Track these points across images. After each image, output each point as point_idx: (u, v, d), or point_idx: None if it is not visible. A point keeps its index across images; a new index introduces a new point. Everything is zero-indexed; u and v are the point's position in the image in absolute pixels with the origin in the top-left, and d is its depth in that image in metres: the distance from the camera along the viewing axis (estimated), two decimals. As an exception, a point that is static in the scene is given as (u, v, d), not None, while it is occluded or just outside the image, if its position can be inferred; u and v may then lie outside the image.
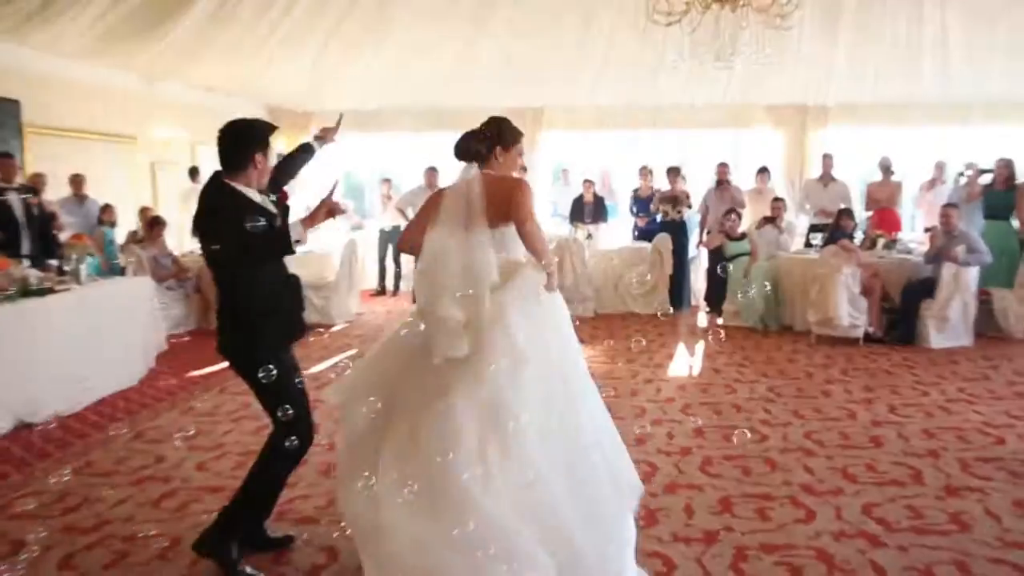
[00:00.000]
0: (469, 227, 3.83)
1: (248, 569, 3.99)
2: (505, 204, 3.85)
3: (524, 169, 4.72)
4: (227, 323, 4.08)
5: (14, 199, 8.84)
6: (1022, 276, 9.57)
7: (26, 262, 7.84)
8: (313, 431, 4.18)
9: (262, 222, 3.76)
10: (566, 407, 3.67)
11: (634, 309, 11.81)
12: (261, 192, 4.13)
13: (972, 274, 9.27)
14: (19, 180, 9.10)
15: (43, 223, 9.12)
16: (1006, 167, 10.30)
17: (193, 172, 13.49)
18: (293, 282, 4.23)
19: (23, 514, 4.87)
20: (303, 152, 4.78)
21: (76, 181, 10.74)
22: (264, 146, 4.10)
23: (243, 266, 3.97)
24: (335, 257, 12.06)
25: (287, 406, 3.98)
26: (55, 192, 10.22)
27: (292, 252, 3.93)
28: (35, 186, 9.42)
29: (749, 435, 5.99)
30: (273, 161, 4.31)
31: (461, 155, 4.08)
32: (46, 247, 8.83)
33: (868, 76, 13.74)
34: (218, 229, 3.94)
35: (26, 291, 6.83)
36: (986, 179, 10.67)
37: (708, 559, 4.11)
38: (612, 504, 3.64)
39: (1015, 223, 10.11)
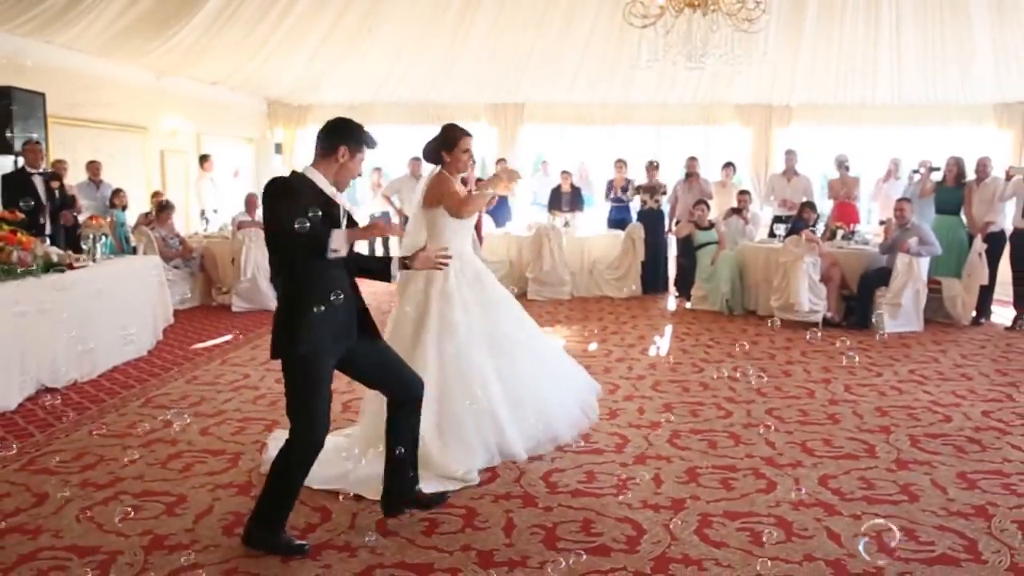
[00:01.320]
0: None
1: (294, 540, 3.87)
2: (432, 193, 4.86)
3: (472, 163, 5.19)
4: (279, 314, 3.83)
5: (39, 182, 8.85)
6: (969, 267, 9.63)
7: (47, 240, 7.82)
8: (317, 449, 3.80)
9: (307, 225, 3.44)
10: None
11: (607, 293, 11.84)
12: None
13: (923, 264, 9.33)
14: (43, 166, 9.07)
15: (64, 205, 9.11)
16: (956, 165, 10.35)
17: (203, 159, 13.47)
18: (350, 290, 3.85)
19: (45, 470, 4.90)
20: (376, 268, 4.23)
21: (92, 167, 10.74)
22: (353, 143, 3.80)
23: (299, 257, 3.67)
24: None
25: (295, 415, 3.80)
26: (74, 177, 10.23)
27: (323, 257, 3.57)
28: (58, 172, 9.42)
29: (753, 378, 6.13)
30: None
31: (426, 159, 5.06)
32: (66, 228, 8.86)
33: (829, 79, 13.81)
34: (277, 212, 3.65)
35: (48, 267, 6.80)
36: (937, 176, 10.72)
37: (675, 525, 4.13)
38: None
39: (963, 218, 10.17)
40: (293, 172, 3.91)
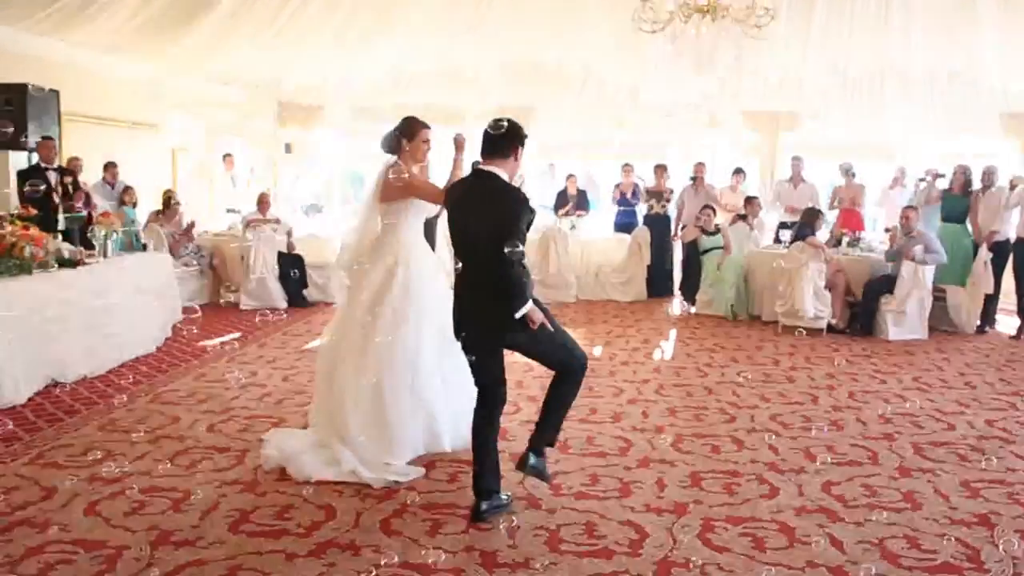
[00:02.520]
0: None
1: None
2: (395, 188, 4.93)
3: (428, 149, 5.11)
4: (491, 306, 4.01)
5: (53, 178, 8.87)
6: (974, 276, 9.60)
7: (60, 236, 7.84)
8: (585, 366, 4.27)
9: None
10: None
11: (613, 296, 11.83)
12: None
13: (928, 272, 9.31)
14: (57, 162, 9.10)
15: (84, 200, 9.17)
16: (963, 174, 10.33)
17: (225, 157, 13.80)
18: None
19: (53, 464, 4.91)
20: None
21: (111, 170, 10.80)
22: (522, 143, 4.22)
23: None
24: (335, 241, 12.01)
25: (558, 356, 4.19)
26: (88, 175, 10.23)
27: None
28: (72, 169, 9.43)
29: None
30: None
31: (384, 149, 5.05)
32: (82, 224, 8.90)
33: (836, 85, 13.77)
34: (506, 209, 3.97)
35: (60, 262, 6.82)
36: (943, 184, 10.71)
37: (678, 529, 4.12)
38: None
39: (969, 226, 10.14)
40: (494, 174, 4.10)
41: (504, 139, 4.14)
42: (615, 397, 6.59)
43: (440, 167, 5.49)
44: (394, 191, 4.94)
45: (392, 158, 4.98)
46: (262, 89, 15.17)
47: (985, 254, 9.52)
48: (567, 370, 4.21)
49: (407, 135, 5.00)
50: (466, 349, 4.24)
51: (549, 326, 4.04)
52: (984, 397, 6.84)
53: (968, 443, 5.59)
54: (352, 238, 5.22)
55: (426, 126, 5.09)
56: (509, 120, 4.20)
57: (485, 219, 4.02)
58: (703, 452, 5.31)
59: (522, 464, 4.23)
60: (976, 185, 10.17)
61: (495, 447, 4.27)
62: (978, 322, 9.71)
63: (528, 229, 3.99)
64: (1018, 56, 11.86)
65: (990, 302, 9.67)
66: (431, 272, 5.16)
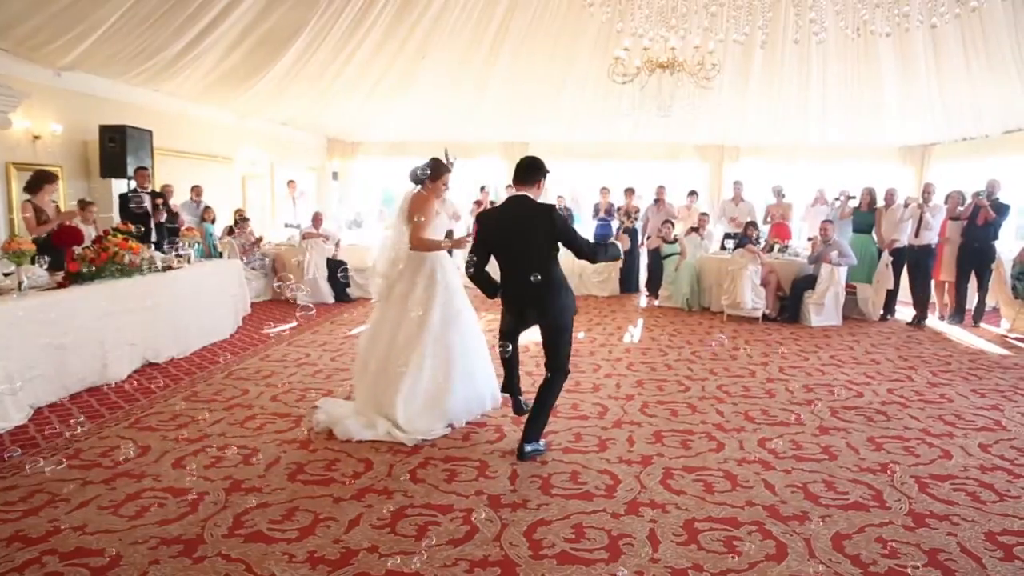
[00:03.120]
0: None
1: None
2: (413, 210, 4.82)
3: (446, 188, 5.07)
4: (552, 295, 4.23)
5: (147, 201, 8.87)
6: (878, 275, 9.60)
7: (153, 247, 7.85)
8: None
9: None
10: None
11: (593, 292, 11.82)
12: None
13: (842, 272, 9.30)
14: (150, 187, 9.10)
15: (169, 219, 9.16)
16: (868, 194, 10.33)
17: (290, 183, 13.89)
18: None
19: (148, 427, 4.91)
20: None
21: (196, 190, 10.78)
22: (544, 176, 4.43)
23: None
24: (374, 249, 12.00)
25: (564, 360, 4.37)
26: (176, 199, 10.24)
27: None
28: (164, 193, 9.43)
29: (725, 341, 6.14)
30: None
31: (412, 180, 4.91)
32: (170, 237, 8.93)
33: (769, 124, 13.77)
34: (556, 226, 4.15)
35: (153, 267, 6.82)
36: (854, 203, 10.70)
37: (644, 476, 4.12)
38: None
39: (874, 235, 10.13)
40: (528, 196, 4.30)
41: (533, 172, 4.34)
42: (594, 372, 6.59)
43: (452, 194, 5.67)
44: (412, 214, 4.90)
45: (416, 188, 4.92)
46: (314, 128, 15.22)
47: (887, 258, 9.52)
48: (559, 369, 4.35)
49: (433, 175, 4.90)
50: (521, 324, 4.49)
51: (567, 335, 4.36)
52: (886, 371, 6.82)
53: (874, 407, 5.58)
54: (387, 252, 5.11)
55: (448, 170, 4.98)
56: (536, 158, 4.41)
57: (529, 231, 4.18)
58: (664, 415, 5.30)
59: (520, 454, 4.35)
60: (880, 203, 10.16)
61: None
62: (881, 311, 9.71)
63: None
64: (911, 101, 11.88)
65: (891, 296, 9.67)
66: (455, 272, 5.09)
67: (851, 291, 9.70)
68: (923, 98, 11.69)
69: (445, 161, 5.00)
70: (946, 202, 9.61)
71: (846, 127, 13.43)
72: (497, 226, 4.32)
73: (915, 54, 10.35)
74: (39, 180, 7.25)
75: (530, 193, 4.31)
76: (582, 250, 4.22)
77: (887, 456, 4.49)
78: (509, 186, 13.89)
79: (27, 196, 7.23)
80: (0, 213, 7.64)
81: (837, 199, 11.29)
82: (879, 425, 5.14)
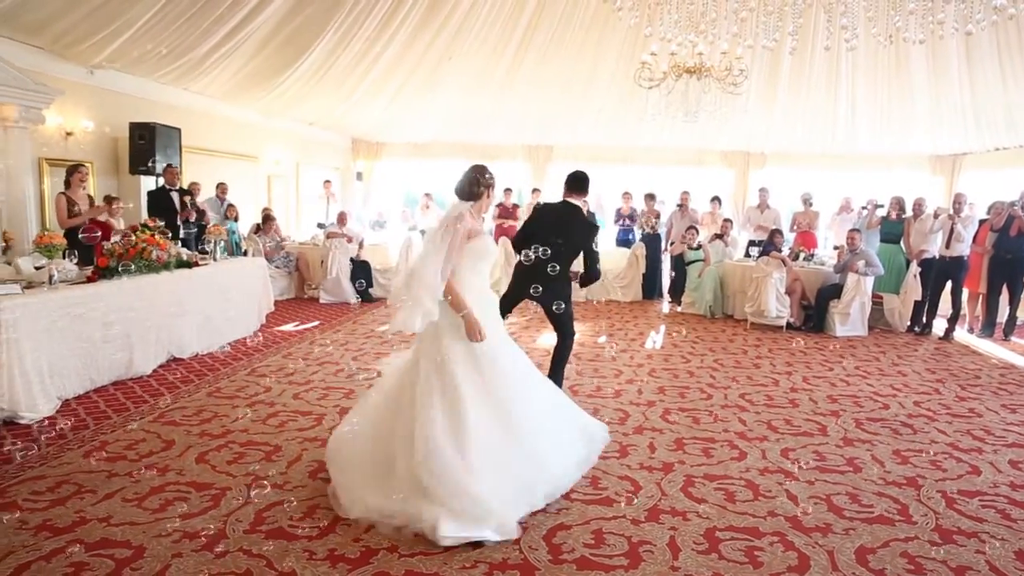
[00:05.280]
0: None
1: None
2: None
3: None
4: (557, 284, 5.09)
5: (175, 197, 8.99)
6: (906, 285, 9.47)
7: (179, 243, 7.95)
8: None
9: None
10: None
11: (615, 297, 11.78)
12: None
13: (869, 282, 9.20)
14: (178, 184, 9.22)
15: (197, 216, 9.27)
16: (897, 204, 10.22)
17: (326, 183, 14.11)
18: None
19: (172, 422, 4.96)
20: None
21: (221, 187, 10.90)
22: (587, 190, 5.42)
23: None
24: (396, 249, 12.08)
25: (572, 328, 5.39)
26: (204, 196, 10.39)
27: None
28: (192, 191, 9.56)
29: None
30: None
31: (463, 196, 3.75)
32: (197, 234, 9.05)
33: (796, 131, 13.68)
34: (576, 230, 5.16)
35: (179, 263, 6.89)
36: (882, 212, 10.58)
37: (665, 483, 4.09)
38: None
39: (903, 246, 10.01)
40: (576, 205, 5.28)
41: (582, 183, 5.32)
42: (615, 378, 6.57)
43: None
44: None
45: (465, 205, 3.73)
46: (339, 129, 15.34)
47: (915, 268, 9.39)
48: (564, 335, 5.33)
49: (487, 189, 3.82)
50: (520, 297, 5.26)
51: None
52: (913, 383, 6.73)
53: (900, 420, 5.51)
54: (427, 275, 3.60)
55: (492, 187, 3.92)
56: (585, 173, 5.35)
57: (569, 233, 5.10)
58: (686, 423, 5.27)
59: None
60: (908, 213, 10.04)
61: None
62: (908, 323, 9.58)
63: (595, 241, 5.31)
64: (943, 109, 11.75)
65: (918, 307, 9.53)
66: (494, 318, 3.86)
67: (877, 301, 9.59)
68: (955, 106, 11.56)
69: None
70: (988, 212, 9.46)
71: (875, 135, 13.30)
72: (550, 220, 5.18)
73: (947, 61, 10.24)
74: (69, 172, 7.44)
75: (578, 201, 5.22)
76: (592, 261, 5.27)
77: (913, 470, 4.43)
78: (536, 190, 14.00)
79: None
80: (32, 207, 7.77)
81: (864, 208, 11.18)
82: (905, 438, 5.07)
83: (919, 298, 9.42)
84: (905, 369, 7.35)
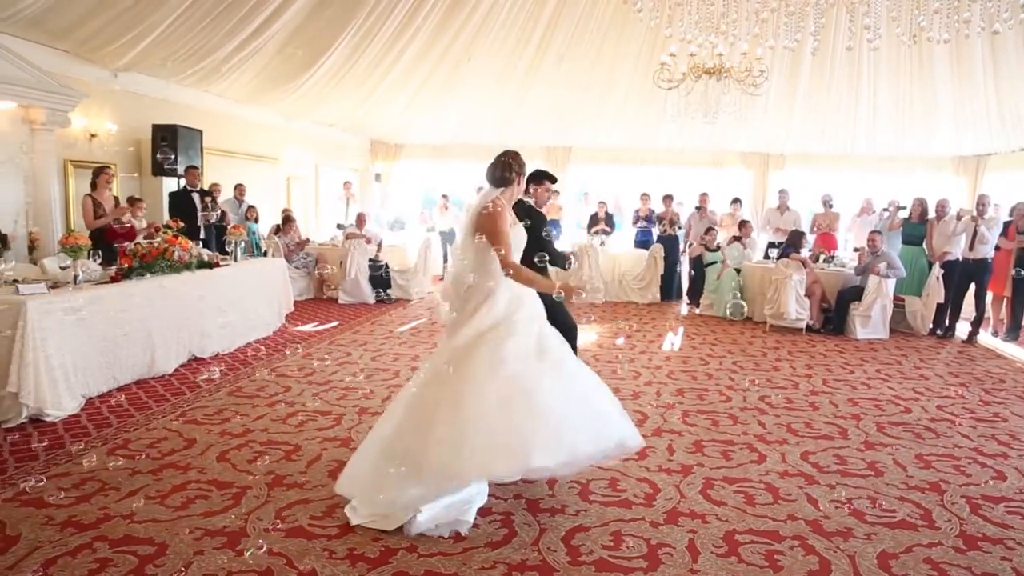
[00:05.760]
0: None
1: None
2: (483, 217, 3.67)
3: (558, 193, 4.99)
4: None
5: (196, 198, 9.08)
6: (928, 288, 9.36)
7: (201, 243, 8.01)
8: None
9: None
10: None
11: (633, 299, 11.75)
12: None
13: (890, 285, 9.10)
14: (199, 185, 9.31)
15: (218, 217, 9.37)
16: (920, 205, 10.09)
17: (346, 184, 14.27)
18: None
19: (193, 421, 5.01)
20: None
21: (239, 188, 10.98)
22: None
23: None
24: (414, 250, 12.13)
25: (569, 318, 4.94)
26: (224, 197, 10.48)
27: None
28: (213, 192, 9.64)
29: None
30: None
31: (496, 182, 3.82)
32: (217, 234, 9.12)
33: (816, 133, 13.58)
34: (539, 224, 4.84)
35: (200, 264, 6.95)
36: (904, 214, 10.47)
37: (684, 485, 4.08)
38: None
39: (925, 248, 9.89)
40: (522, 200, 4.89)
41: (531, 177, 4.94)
42: (634, 379, 6.55)
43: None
44: (485, 223, 3.64)
45: (495, 191, 3.77)
46: (358, 130, 15.41)
47: (937, 271, 9.28)
48: (568, 327, 4.85)
49: (517, 176, 3.87)
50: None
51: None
52: (935, 387, 6.65)
53: (922, 424, 5.44)
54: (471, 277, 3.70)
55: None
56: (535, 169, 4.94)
57: (533, 228, 4.50)
58: (705, 425, 5.25)
59: None
60: (931, 214, 9.92)
61: None
62: (930, 326, 9.46)
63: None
64: (967, 110, 11.62)
65: (941, 309, 9.42)
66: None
67: (899, 304, 9.49)
68: (979, 106, 11.42)
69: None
70: (1011, 214, 9.33)
71: (897, 136, 13.17)
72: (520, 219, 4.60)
73: (972, 61, 10.12)
74: (95, 174, 7.55)
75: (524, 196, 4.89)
76: (552, 248, 5.05)
77: (936, 475, 4.38)
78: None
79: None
80: (58, 208, 7.88)
81: (886, 209, 11.07)
82: (928, 442, 5.01)
83: (942, 301, 9.30)
84: (927, 372, 7.27)
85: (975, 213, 9.21)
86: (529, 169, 4.33)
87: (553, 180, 5.44)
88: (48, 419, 4.85)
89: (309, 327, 8.73)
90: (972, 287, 9.21)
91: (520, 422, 3.31)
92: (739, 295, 10.25)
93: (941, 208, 9.80)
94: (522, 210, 4.76)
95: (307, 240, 11.62)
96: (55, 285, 5.48)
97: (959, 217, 9.54)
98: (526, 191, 4.92)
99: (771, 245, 11.38)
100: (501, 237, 3.58)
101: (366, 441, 3.68)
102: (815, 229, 11.87)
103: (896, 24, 6.83)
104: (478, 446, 3.24)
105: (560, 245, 12.51)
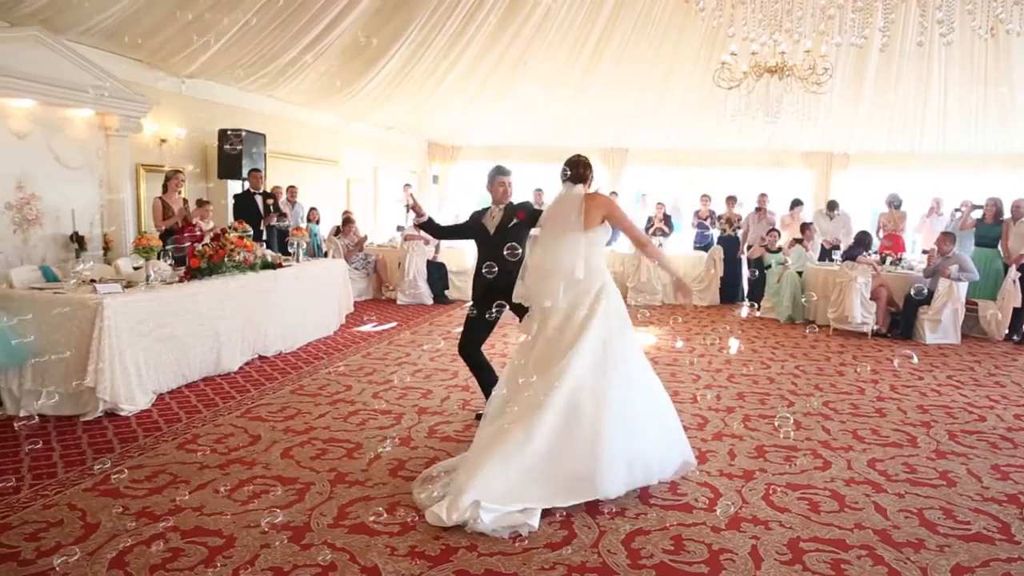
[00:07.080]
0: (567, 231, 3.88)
1: None
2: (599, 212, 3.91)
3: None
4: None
5: (259, 200, 9.31)
6: (1004, 291, 9.00)
7: (264, 245, 8.21)
8: None
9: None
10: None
11: (692, 301, 11.57)
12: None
13: (962, 288, 8.78)
14: (262, 188, 9.55)
15: (279, 218, 9.58)
16: (994, 205, 9.72)
17: (406, 186, 14.07)
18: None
19: (258, 418, 5.14)
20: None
21: (291, 190, 11.19)
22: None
23: None
24: (471, 251, 12.18)
25: None
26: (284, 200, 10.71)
27: None
28: (276, 195, 9.87)
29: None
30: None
31: (574, 179, 4.01)
32: (279, 235, 9.33)
33: (882, 131, 13.20)
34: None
35: (264, 264, 7.12)
36: (977, 214, 10.09)
37: (746, 491, 4.01)
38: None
39: (1000, 250, 9.52)
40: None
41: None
42: (693, 383, 6.46)
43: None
44: (596, 214, 3.86)
45: (580, 188, 3.97)
46: (415, 133, 15.61)
47: (1014, 273, 8.91)
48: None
49: (591, 173, 4.09)
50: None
51: None
52: (1012, 395, 6.38)
53: (998, 433, 5.23)
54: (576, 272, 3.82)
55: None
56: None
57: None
58: (767, 430, 5.14)
59: None
60: (1007, 215, 9.54)
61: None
62: (1006, 331, 9.08)
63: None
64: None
65: (1017, 314, 9.03)
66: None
67: (971, 308, 9.13)
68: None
69: None
70: None
71: (969, 133, 12.70)
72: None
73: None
74: (167, 177, 7.84)
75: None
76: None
77: (1015, 487, 4.20)
78: (538, 190, 13.76)
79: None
80: (130, 211, 8.18)
81: (958, 210, 10.69)
82: (1005, 452, 4.81)
83: (1019, 305, 8.92)
84: (1003, 380, 6.98)
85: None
86: (528, 170, 4.52)
87: (506, 174, 5.18)
88: (122, 413, 5.04)
89: (368, 327, 8.86)
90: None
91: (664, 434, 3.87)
92: (800, 297, 10.04)
93: (1017, 208, 9.42)
94: (522, 209, 4.96)
95: (364, 238, 11.80)
96: (129, 285, 5.69)
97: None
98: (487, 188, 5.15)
99: (833, 248, 11.08)
100: (627, 217, 4.03)
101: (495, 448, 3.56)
102: (881, 230, 11.52)
103: (972, 17, 6.59)
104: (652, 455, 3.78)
105: (619, 246, 12.48)
